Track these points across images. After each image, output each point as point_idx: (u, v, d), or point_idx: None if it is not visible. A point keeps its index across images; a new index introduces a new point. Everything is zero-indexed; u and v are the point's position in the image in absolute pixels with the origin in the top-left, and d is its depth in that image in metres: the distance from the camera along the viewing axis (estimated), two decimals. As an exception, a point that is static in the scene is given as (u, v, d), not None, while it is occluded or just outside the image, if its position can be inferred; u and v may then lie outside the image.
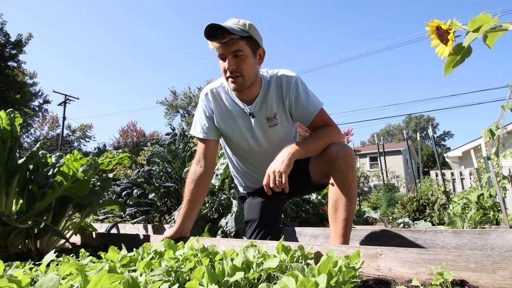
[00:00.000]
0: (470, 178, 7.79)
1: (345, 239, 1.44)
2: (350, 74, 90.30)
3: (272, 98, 1.63)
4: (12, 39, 22.38)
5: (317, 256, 1.07)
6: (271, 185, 1.40)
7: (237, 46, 1.48)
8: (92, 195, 2.18)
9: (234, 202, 2.41)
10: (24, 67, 25.10)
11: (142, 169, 3.56)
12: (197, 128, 1.75)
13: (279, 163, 1.42)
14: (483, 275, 0.81)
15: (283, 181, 1.38)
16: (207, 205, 2.55)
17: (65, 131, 32.21)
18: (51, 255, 1.11)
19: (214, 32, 1.44)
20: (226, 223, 2.31)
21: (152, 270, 0.92)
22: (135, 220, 3.22)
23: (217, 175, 2.59)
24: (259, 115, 1.65)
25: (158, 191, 3.16)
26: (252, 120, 1.66)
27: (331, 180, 1.52)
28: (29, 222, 1.93)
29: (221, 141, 1.89)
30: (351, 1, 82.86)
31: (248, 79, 1.54)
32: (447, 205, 4.79)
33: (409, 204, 5.42)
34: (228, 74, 1.52)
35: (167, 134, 3.79)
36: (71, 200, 2.09)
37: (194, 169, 1.74)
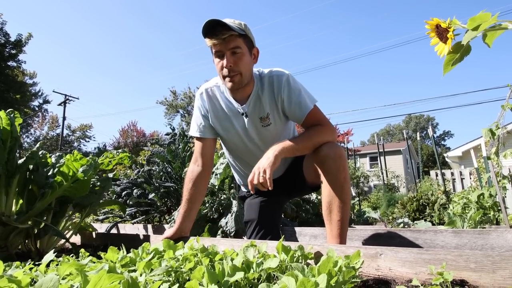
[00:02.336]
0: (470, 178, 7.78)
1: (341, 240, 1.44)
2: (350, 74, 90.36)
3: (265, 97, 1.62)
4: (12, 39, 22.38)
5: (317, 256, 1.07)
6: (255, 181, 1.38)
7: (235, 43, 1.48)
8: (92, 195, 2.18)
9: (234, 202, 2.41)
10: (24, 67, 25.10)
11: (142, 169, 3.56)
12: (194, 127, 1.75)
13: (264, 160, 1.41)
14: (483, 275, 0.81)
15: (267, 176, 1.35)
16: (207, 205, 2.56)
17: (65, 131, 32.23)
18: (51, 255, 1.11)
19: (213, 28, 1.44)
20: (226, 223, 2.32)
21: (152, 270, 0.92)
22: (135, 220, 3.22)
23: (216, 174, 2.59)
24: (252, 115, 1.65)
25: (158, 191, 3.16)
26: (246, 119, 1.65)
27: (323, 182, 1.51)
28: (29, 222, 1.93)
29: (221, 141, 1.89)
30: (351, 1, 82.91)
31: (245, 78, 1.54)
32: (447, 205, 4.79)
33: (409, 204, 5.42)
34: (225, 72, 1.51)
35: (167, 134, 3.79)
36: (71, 200, 2.09)
37: (191, 168, 1.74)
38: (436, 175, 8.52)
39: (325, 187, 1.50)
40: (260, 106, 1.63)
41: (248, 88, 1.61)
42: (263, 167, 1.38)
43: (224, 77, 1.54)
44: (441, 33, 0.74)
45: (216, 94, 1.70)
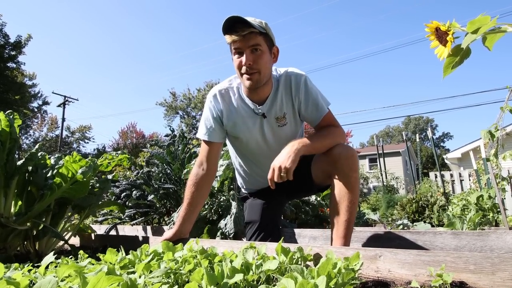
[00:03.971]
0: (469, 180, 7.79)
1: (346, 240, 1.43)
2: (350, 76, 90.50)
3: (282, 97, 1.62)
4: (12, 40, 22.35)
5: (317, 257, 1.07)
6: (276, 179, 1.40)
7: (255, 40, 1.48)
8: (91, 196, 2.18)
9: (233, 204, 2.41)
10: (23, 68, 25.01)
11: (141, 171, 3.55)
12: (202, 130, 1.71)
13: (285, 158, 1.42)
14: (482, 277, 0.81)
15: (289, 178, 1.39)
16: (206, 206, 2.55)
17: (64, 133, 32.19)
18: (50, 257, 1.11)
19: (233, 25, 1.45)
20: (225, 224, 2.31)
21: (151, 271, 0.92)
22: (134, 222, 3.21)
23: (216, 177, 2.59)
24: (269, 114, 1.64)
25: (157, 193, 3.16)
26: (263, 120, 1.64)
27: (334, 181, 1.51)
28: (28, 224, 1.93)
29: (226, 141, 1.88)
30: (351, 2, 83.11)
31: (264, 76, 1.53)
32: (446, 207, 4.79)
33: (409, 206, 5.41)
34: (244, 70, 1.50)
35: (167, 135, 3.79)
36: (70, 201, 2.09)
37: (196, 171, 1.71)
38: (436, 177, 8.53)
39: (335, 186, 1.50)
40: (277, 106, 1.63)
41: (266, 88, 1.60)
42: (284, 166, 1.39)
43: (242, 75, 1.53)
44: (441, 36, 0.74)
45: (230, 95, 1.68)
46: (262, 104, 1.63)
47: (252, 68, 1.49)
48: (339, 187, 1.48)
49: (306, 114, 1.64)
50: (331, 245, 1.48)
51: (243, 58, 1.48)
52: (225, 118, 1.68)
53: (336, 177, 1.50)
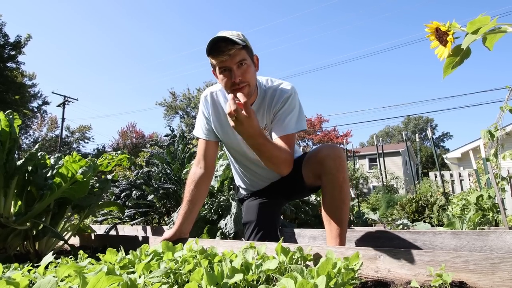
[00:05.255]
0: (469, 179, 7.80)
1: (341, 241, 1.44)
2: (349, 76, 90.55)
3: (265, 109, 1.64)
4: (11, 40, 22.33)
5: (316, 257, 1.07)
6: (227, 110, 1.33)
7: (241, 56, 1.46)
8: (91, 196, 2.18)
9: (233, 204, 2.41)
10: (23, 68, 24.97)
11: (141, 171, 3.55)
12: (198, 128, 1.77)
13: (248, 126, 1.35)
14: (482, 277, 0.81)
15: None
16: (206, 206, 2.55)
17: (64, 132, 32.20)
18: (49, 257, 1.11)
19: (217, 45, 1.42)
20: (225, 224, 2.31)
21: (151, 271, 0.92)
22: (134, 222, 3.21)
23: (216, 176, 2.59)
24: None
25: (157, 193, 3.16)
26: None
27: (323, 183, 1.52)
28: (28, 224, 1.92)
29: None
30: (351, 2, 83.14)
31: (252, 87, 1.54)
32: (446, 207, 4.79)
33: (408, 205, 5.41)
34: (234, 86, 1.48)
35: (166, 135, 3.79)
36: (70, 201, 2.09)
37: (194, 170, 1.75)
38: (435, 177, 8.54)
39: (325, 187, 1.51)
40: (259, 116, 1.64)
41: (251, 98, 1.61)
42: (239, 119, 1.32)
43: (233, 91, 1.49)
44: (441, 36, 0.74)
45: (220, 99, 1.71)
46: None
47: (242, 82, 1.48)
48: (328, 188, 1.49)
49: (272, 124, 1.63)
50: (330, 245, 1.48)
51: (232, 75, 1.46)
52: (213, 120, 1.72)
53: (324, 178, 1.51)
